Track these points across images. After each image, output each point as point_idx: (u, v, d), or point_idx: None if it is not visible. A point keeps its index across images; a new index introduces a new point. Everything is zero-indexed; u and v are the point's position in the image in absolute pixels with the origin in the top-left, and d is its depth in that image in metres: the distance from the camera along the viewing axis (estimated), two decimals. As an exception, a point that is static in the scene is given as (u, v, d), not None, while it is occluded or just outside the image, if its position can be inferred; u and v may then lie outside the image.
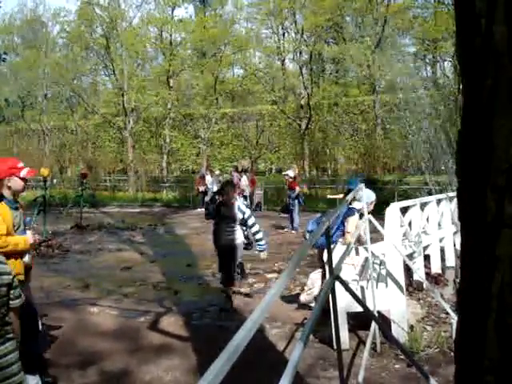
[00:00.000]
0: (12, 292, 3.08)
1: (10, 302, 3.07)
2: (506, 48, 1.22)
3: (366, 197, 6.19)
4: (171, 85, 36.89)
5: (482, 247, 1.28)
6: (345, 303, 5.05)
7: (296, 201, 16.42)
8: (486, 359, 1.27)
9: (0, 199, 4.51)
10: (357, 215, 6.74)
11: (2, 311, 3.00)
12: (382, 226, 6.01)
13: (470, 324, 1.34)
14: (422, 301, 7.42)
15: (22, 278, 4.37)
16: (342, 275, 3.52)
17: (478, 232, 1.30)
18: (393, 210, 6.38)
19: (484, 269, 1.28)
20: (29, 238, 4.61)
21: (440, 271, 9.04)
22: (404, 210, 7.89)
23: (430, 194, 11.10)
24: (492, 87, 1.25)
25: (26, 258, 4.64)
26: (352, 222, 6.70)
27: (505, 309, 1.23)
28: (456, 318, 1.47)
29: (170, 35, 37.73)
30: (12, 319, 3.12)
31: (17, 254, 4.46)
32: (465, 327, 1.38)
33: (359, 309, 4.99)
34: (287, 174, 17.09)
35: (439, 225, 9.49)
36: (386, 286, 6.01)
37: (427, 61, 38.89)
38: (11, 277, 3.07)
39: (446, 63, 35.59)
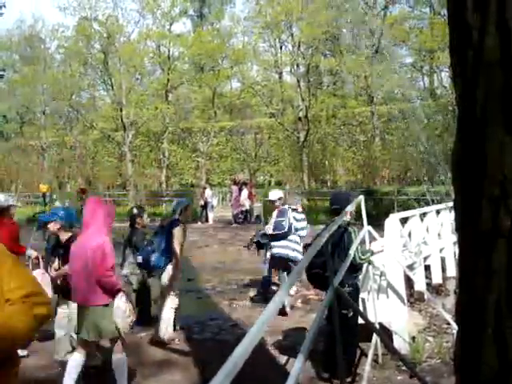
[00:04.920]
0: None
1: None
2: (497, 59, 1.23)
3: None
4: (169, 99, 37.04)
5: (479, 257, 1.29)
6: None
7: None
8: (484, 368, 1.28)
9: None
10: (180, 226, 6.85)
11: None
12: (382, 236, 6.02)
13: (469, 334, 1.35)
14: (423, 311, 7.40)
15: None
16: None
17: (474, 242, 1.31)
18: (392, 220, 6.39)
19: (481, 279, 1.29)
20: None
21: (441, 281, 9.03)
22: (404, 221, 7.89)
23: (428, 204, 11.10)
24: (484, 98, 1.26)
25: None
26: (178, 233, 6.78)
27: (502, 318, 1.24)
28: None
29: (168, 50, 37.94)
30: None
31: None
32: (464, 337, 1.39)
33: (360, 320, 4.98)
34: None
35: (439, 235, 9.50)
36: (387, 297, 6.00)
37: (424, 71, 39.09)
38: None
39: (442, 73, 35.71)
